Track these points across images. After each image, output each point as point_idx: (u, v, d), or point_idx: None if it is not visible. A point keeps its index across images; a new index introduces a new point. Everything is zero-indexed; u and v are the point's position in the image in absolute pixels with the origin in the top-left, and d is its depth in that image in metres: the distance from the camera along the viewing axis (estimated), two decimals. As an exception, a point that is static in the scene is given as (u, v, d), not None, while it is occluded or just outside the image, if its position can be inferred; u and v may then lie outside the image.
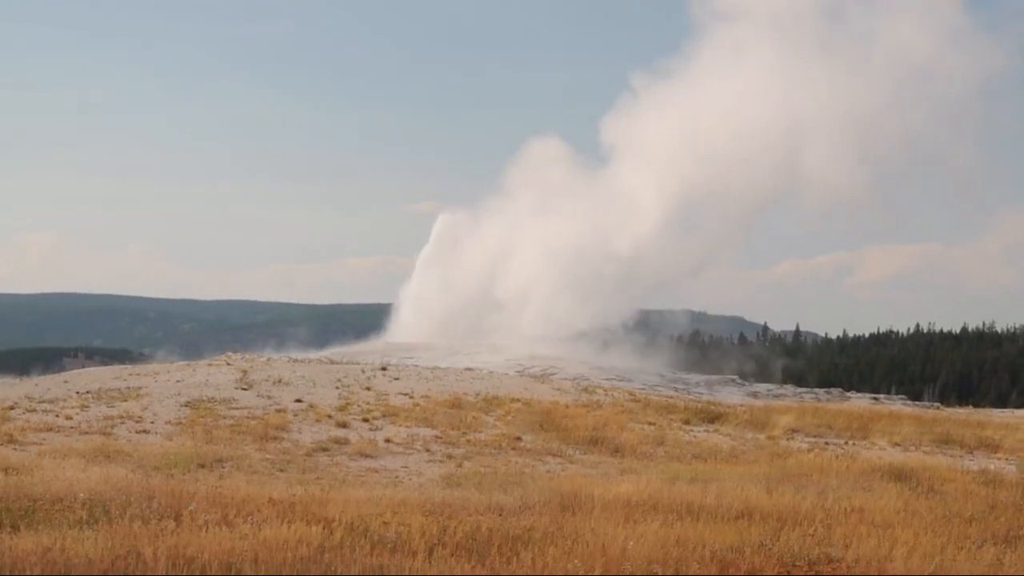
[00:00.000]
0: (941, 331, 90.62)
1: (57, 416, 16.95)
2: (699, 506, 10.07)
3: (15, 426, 15.60)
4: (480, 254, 55.14)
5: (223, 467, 12.96)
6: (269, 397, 20.25)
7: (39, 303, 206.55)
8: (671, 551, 7.93)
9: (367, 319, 71.73)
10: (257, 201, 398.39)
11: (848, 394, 41.93)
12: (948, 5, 59.89)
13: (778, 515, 9.87)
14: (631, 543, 8.02)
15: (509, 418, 19.59)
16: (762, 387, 41.91)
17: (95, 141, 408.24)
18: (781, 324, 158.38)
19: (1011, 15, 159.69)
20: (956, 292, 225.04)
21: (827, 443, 19.80)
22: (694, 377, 42.66)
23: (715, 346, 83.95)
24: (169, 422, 17.09)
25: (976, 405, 44.23)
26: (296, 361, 29.39)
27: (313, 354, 42.18)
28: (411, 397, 21.47)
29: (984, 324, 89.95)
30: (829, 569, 8.06)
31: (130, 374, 23.75)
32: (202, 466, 12.81)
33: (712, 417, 22.50)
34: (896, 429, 21.72)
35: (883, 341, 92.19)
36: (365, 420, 18.34)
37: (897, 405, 35.27)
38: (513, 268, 52.38)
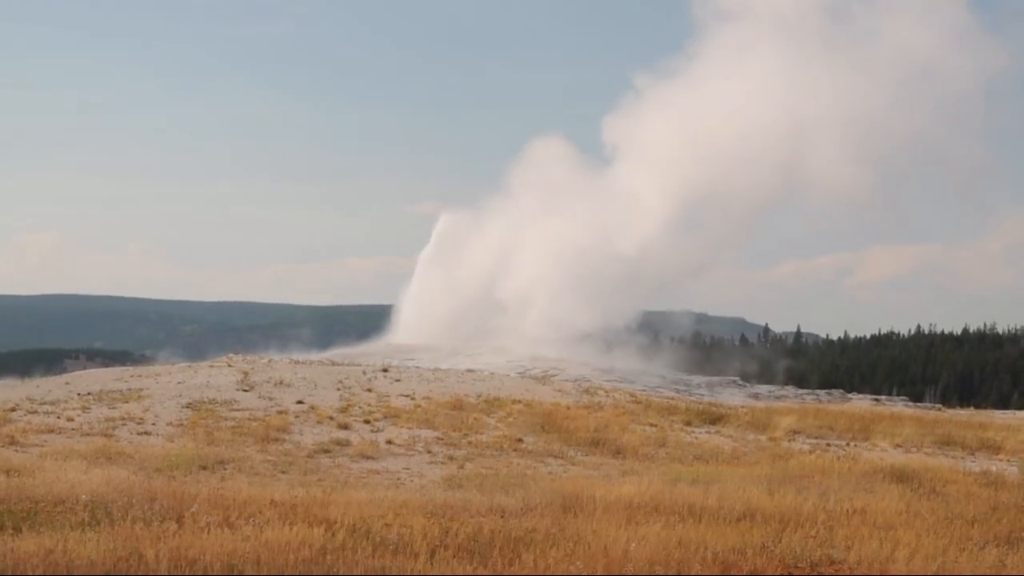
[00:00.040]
0: (942, 332, 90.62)
1: (58, 418, 16.95)
2: (701, 507, 10.07)
3: (16, 428, 15.60)
4: (482, 255, 54.98)
5: (225, 469, 12.96)
6: (270, 399, 20.25)
7: (40, 304, 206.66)
8: (673, 552, 7.93)
9: (369, 320, 71.73)
10: (257, 201, 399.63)
11: (849, 395, 41.88)
12: (951, 5, 59.86)
13: (780, 516, 9.87)
14: (633, 545, 8.02)
15: (510, 419, 19.59)
16: (763, 388, 41.88)
17: (95, 141, 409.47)
18: (782, 325, 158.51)
19: (1014, 15, 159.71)
20: (957, 293, 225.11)
21: (829, 444, 19.80)
22: (695, 378, 42.62)
23: (717, 347, 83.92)
24: (171, 424, 17.09)
25: (977, 406, 44.16)
26: (297, 363, 29.38)
27: (315, 356, 42.17)
28: (412, 399, 21.47)
29: (985, 325, 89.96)
30: (831, 570, 8.06)
31: (131, 376, 23.76)
32: (204, 468, 12.81)
33: (714, 418, 22.49)
34: (898, 430, 21.71)
35: (884, 342, 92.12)
36: (367, 422, 18.34)
37: (898, 406, 35.23)
38: (516, 269, 52.26)
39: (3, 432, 14.96)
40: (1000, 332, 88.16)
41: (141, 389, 20.78)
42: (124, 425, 16.68)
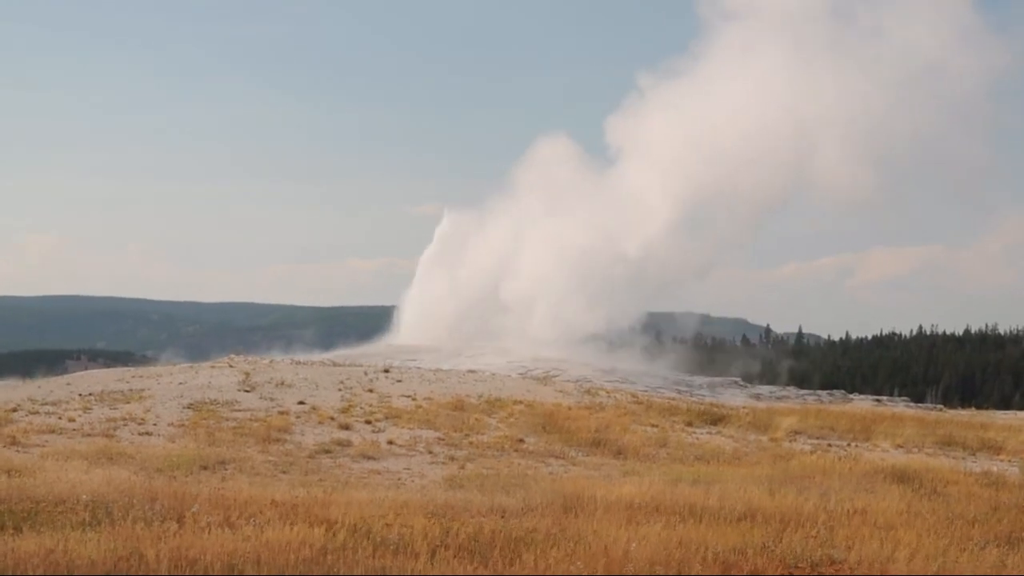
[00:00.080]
0: (944, 333, 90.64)
1: (60, 418, 16.97)
2: (702, 508, 10.07)
3: (18, 428, 15.61)
4: (485, 255, 54.92)
5: (226, 469, 12.97)
6: (272, 399, 20.26)
7: (42, 305, 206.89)
8: (673, 553, 7.94)
9: (371, 321, 71.71)
10: (258, 201, 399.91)
11: (851, 396, 41.88)
12: (956, 5, 59.62)
13: (781, 517, 9.87)
14: (633, 545, 8.02)
15: (512, 420, 19.59)
16: (764, 389, 41.88)
17: (95, 141, 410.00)
18: (783, 326, 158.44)
19: (1020, 15, 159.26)
20: (959, 294, 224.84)
21: (830, 445, 19.79)
22: (697, 379, 42.62)
23: (720, 348, 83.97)
24: (172, 424, 17.10)
25: (979, 407, 44.10)
26: (299, 363, 29.40)
27: (316, 356, 42.18)
28: (414, 399, 21.48)
29: (987, 326, 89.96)
30: (832, 570, 8.06)
31: (133, 376, 23.77)
32: (205, 468, 12.81)
33: (715, 419, 22.49)
34: (899, 431, 21.70)
35: (886, 343, 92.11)
36: (368, 422, 18.35)
37: (900, 407, 35.22)
38: (520, 269, 52.18)
39: (4, 432, 14.97)
40: (1002, 333, 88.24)
41: (142, 390, 20.80)
42: (125, 425, 16.69)
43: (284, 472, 13.24)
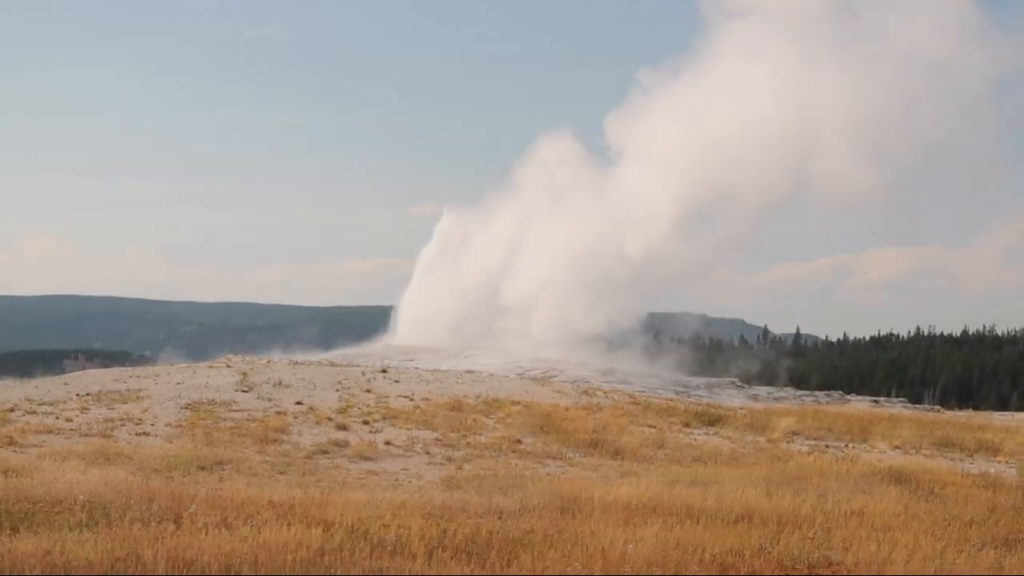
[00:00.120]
0: (941, 334, 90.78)
1: (57, 418, 16.95)
2: (699, 509, 10.08)
3: (15, 428, 15.59)
4: (486, 254, 54.80)
5: (223, 469, 12.96)
6: (269, 399, 20.25)
7: (39, 305, 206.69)
8: (671, 554, 7.94)
9: (369, 321, 71.62)
10: (256, 202, 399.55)
11: (848, 397, 41.91)
12: (961, 2, 59.31)
13: (778, 518, 9.88)
14: (631, 546, 8.02)
15: (509, 420, 19.59)
16: (762, 390, 41.90)
17: (95, 141, 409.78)
18: (781, 327, 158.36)
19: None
20: (956, 295, 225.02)
21: (827, 446, 19.80)
22: (694, 380, 42.61)
23: (718, 349, 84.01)
24: (169, 424, 17.09)
25: (976, 408, 44.20)
26: (296, 363, 29.38)
27: (314, 356, 42.13)
28: (411, 400, 21.47)
29: (984, 327, 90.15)
30: (829, 572, 8.07)
31: (130, 376, 23.74)
32: (202, 468, 12.81)
33: (712, 420, 22.50)
34: (896, 432, 21.70)
35: (883, 344, 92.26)
36: (365, 423, 18.34)
37: (897, 408, 35.25)
38: (520, 270, 52.06)
39: (2, 432, 14.95)
40: (999, 334, 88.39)
41: (140, 390, 20.78)
42: (123, 426, 16.68)
43: (281, 473, 13.23)
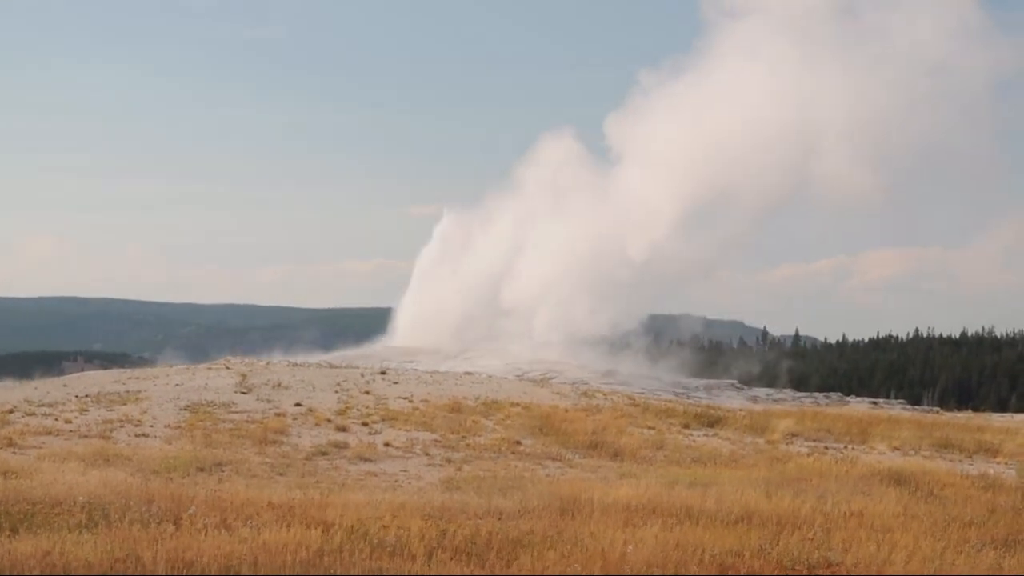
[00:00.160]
0: (940, 336, 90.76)
1: (56, 420, 16.94)
2: (698, 510, 10.08)
3: (14, 430, 15.58)
4: (485, 257, 54.68)
5: (222, 471, 12.96)
6: (268, 401, 20.25)
7: (38, 307, 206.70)
8: (670, 555, 7.94)
9: (369, 323, 71.58)
10: (255, 203, 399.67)
11: (847, 398, 41.90)
12: (963, 3, 59.14)
13: (777, 519, 9.88)
14: (630, 547, 8.03)
15: (508, 422, 19.59)
16: (761, 391, 41.86)
17: (95, 141, 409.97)
18: (780, 328, 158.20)
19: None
20: (955, 296, 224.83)
21: (826, 447, 19.81)
22: (694, 382, 42.56)
23: (718, 350, 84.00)
24: (168, 426, 17.08)
25: (975, 409, 44.13)
26: (295, 365, 29.38)
27: (314, 358, 42.10)
28: (410, 401, 21.47)
29: (984, 329, 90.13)
30: (828, 573, 8.07)
31: (129, 378, 23.74)
32: (201, 470, 12.80)
33: (712, 421, 22.49)
34: (895, 433, 21.71)
35: (882, 345, 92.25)
36: (364, 424, 18.33)
37: (896, 409, 35.23)
38: (521, 271, 51.96)
39: (1, 434, 14.93)
40: (998, 335, 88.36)
41: (139, 391, 20.77)
42: (122, 427, 16.67)
43: (281, 474, 13.23)
